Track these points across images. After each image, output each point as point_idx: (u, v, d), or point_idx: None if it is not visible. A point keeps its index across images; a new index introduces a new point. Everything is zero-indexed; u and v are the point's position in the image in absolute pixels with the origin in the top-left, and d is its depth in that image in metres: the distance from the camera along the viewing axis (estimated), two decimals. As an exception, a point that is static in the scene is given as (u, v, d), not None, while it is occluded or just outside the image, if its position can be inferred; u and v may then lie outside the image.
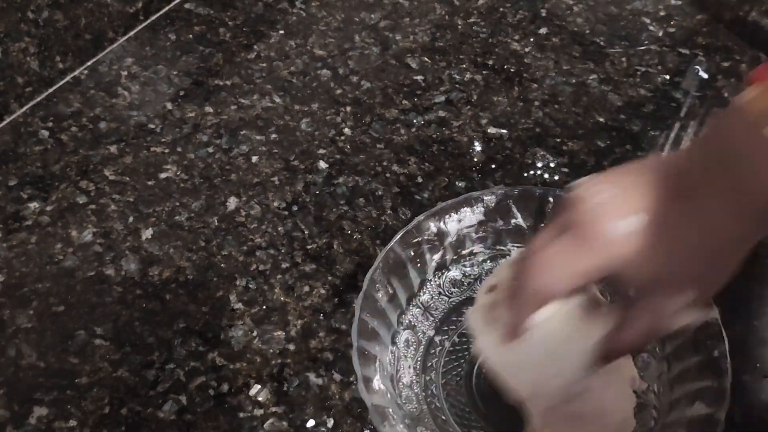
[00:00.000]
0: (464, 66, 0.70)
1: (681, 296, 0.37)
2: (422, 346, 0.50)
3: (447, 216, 0.51)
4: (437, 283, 0.52)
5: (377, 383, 0.44)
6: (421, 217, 0.50)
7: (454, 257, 0.52)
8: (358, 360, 0.43)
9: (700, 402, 0.41)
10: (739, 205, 0.34)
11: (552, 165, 0.61)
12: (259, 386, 0.48)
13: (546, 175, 0.60)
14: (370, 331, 0.46)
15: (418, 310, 0.51)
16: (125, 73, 0.70)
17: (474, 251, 0.52)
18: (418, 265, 0.50)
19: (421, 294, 0.51)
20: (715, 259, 0.36)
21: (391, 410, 0.43)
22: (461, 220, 0.51)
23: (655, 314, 0.38)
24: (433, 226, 0.50)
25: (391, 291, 0.49)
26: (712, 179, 0.34)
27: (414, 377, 0.48)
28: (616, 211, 0.36)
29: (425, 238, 0.50)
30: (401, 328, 0.50)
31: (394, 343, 0.49)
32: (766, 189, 0.33)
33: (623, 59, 0.70)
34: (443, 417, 0.47)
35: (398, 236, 0.49)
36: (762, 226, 0.36)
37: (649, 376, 0.46)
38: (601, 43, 0.72)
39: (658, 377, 0.46)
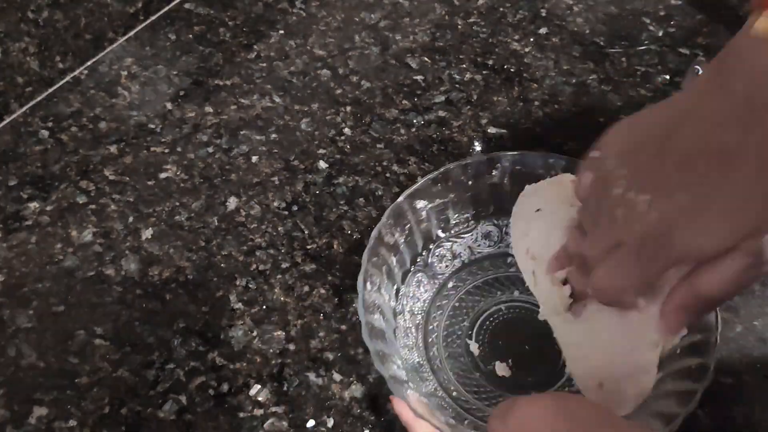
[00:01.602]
0: (464, 66, 0.70)
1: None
2: (434, 289, 0.52)
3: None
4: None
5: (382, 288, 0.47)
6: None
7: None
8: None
9: (687, 379, 0.41)
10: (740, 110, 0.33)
11: (552, 165, 0.61)
12: (259, 386, 0.48)
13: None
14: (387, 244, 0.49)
15: (437, 257, 0.52)
16: (125, 73, 0.70)
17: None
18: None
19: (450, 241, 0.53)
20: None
21: (382, 308, 0.46)
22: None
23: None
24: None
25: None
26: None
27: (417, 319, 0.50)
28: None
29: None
30: (416, 267, 0.51)
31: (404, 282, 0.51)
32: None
33: (623, 59, 0.70)
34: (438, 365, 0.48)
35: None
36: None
37: None
38: (601, 43, 0.72)
39: None
